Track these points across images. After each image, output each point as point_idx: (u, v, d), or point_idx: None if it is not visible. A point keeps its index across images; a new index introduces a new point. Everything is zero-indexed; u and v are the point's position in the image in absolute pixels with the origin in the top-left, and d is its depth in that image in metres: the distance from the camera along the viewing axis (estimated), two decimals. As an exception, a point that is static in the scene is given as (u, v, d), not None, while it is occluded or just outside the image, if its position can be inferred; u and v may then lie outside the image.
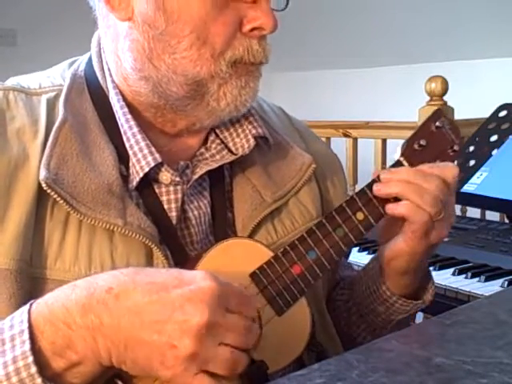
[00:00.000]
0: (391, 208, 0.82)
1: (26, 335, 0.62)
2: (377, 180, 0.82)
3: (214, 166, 0.85)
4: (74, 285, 0.65)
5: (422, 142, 0.84)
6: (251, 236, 0.84)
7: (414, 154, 0.84)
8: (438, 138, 0.84)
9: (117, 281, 0.64)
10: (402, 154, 0.84)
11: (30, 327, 0.62)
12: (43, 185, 0.74)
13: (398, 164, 0.84)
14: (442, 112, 0.86)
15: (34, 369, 0.61)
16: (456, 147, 0.85)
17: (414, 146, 0.84)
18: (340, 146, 2.71)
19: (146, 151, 0.80)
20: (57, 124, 0.79)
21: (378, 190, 0.82)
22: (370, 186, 0.83)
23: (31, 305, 0.65)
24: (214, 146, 0.88)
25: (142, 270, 0.67)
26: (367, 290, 0.93)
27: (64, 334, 0.62)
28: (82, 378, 0.64)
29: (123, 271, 0.66)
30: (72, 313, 0.62)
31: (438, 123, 0.85)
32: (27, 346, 0.61)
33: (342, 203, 0.82)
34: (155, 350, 0.62)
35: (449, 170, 0.82)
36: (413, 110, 2.40)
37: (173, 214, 0.82)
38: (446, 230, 0.85)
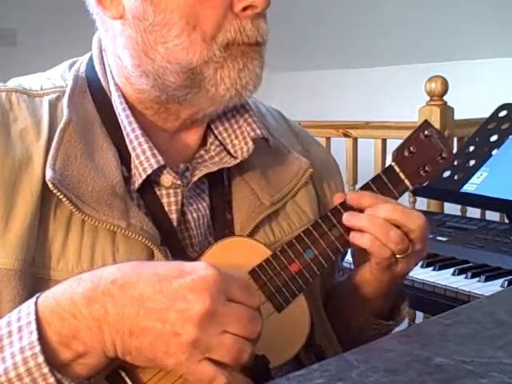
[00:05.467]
0: (356, 238, 0.82)
1: (34, 326, 0.62)
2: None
3: (214, 169, 0.85)
4: (79, 278, 0.65)
5: (412, 149, 0.88)
6: None
7: (404, 159, 0.88)
8: (427, 145, 0.89)
9: (121, 272, 0.65)
10: (394, 160, 0.88)
11: (38, 319, 0.63)
12: (50, 185, 0.74)
13: (389, 169, 0.87)
14: (429, 123, 0.91)
15: (41, 358, 0.61)
16: (445, 154, 0.89)
17: (405, 152, 0.88)
18: (340, 146, 2.71)
19: (148, 153, 0.80)
20: (61, 125, 0.79)
21: (346, 220, 0.83)
22: (363, 189, 0.86)
23: (37, 297, 0.65)
24: (212, 147, 0.89)
25: (145, 263, 0.68)
26: (343, 302, 0.94)
27: (70, 325, 0.63)
28: (88, 370, 0.64)
29: (126, 264, 0.66)
30: (78, 304, 0.63)
31: (426, 132, 0.89)
32: (34, 336, 0.61)
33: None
34: (159, 339, 0.62)
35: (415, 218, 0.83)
36: (413, 109, 2.40)
37: (173, 216, 0.82)
38: (414, 264, 0.86)
